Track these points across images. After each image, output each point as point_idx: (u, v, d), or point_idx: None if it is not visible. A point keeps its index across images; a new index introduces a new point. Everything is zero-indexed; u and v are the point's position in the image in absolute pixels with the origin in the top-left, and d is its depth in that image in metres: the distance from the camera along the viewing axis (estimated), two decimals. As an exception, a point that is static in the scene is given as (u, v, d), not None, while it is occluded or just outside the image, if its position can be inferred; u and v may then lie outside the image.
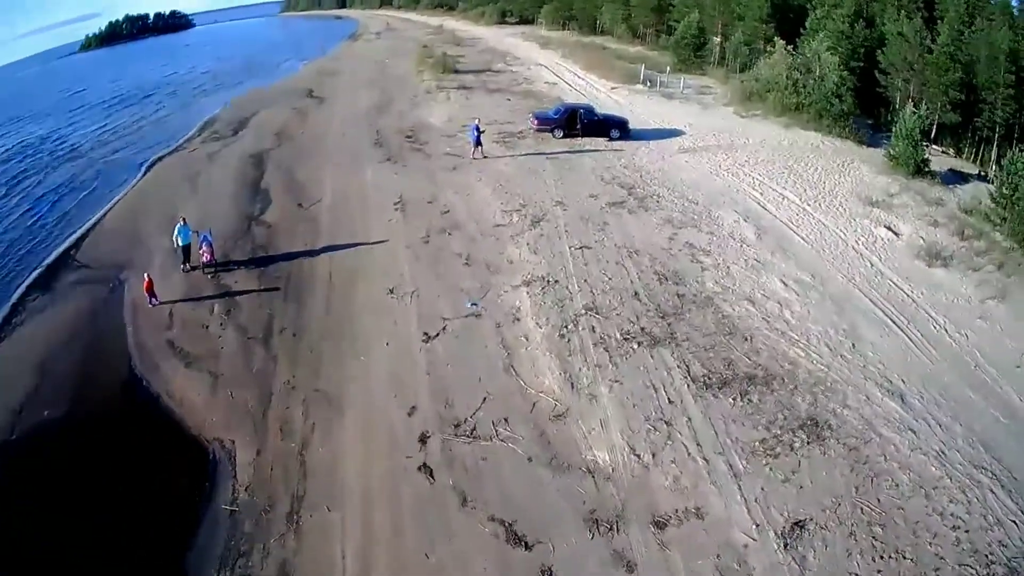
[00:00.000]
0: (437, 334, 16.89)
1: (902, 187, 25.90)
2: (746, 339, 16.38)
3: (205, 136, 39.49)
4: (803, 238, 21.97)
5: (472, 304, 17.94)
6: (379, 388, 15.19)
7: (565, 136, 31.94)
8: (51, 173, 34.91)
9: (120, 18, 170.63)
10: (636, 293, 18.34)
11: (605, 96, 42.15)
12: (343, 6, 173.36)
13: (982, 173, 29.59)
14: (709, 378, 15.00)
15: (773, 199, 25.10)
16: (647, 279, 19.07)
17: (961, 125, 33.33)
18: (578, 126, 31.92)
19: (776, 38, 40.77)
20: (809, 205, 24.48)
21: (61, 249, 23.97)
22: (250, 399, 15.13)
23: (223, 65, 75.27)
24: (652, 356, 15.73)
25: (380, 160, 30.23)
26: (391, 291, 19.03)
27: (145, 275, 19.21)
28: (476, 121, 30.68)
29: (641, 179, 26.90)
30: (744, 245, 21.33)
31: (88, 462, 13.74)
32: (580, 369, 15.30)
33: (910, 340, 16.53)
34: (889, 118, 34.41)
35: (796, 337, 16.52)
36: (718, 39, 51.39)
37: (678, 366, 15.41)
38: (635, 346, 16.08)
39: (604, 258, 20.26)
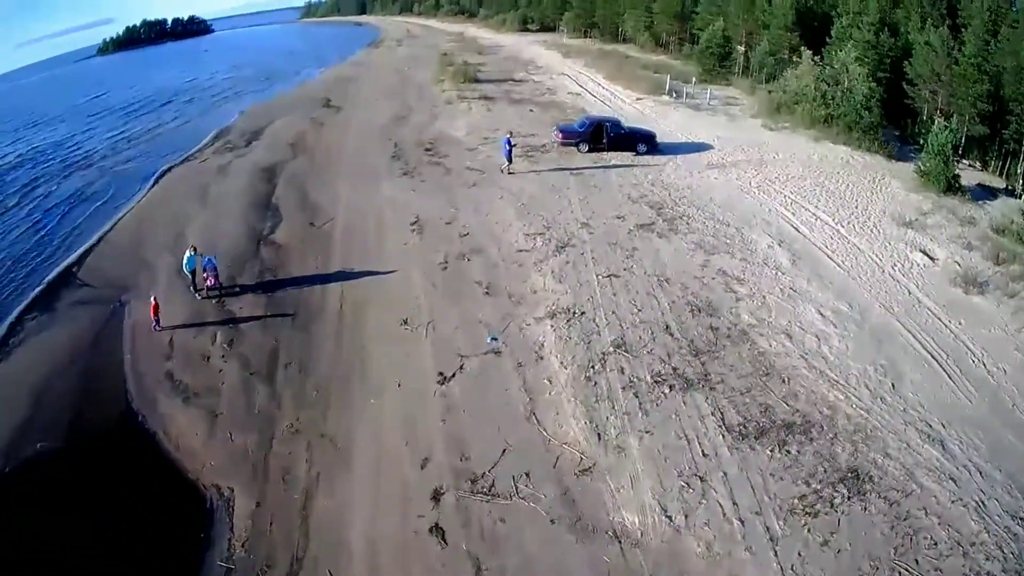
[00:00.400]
0: (454, 374, 15.74)
1: (934, 205, 24.89)
2: (784, 381, 15.20)
3: (218, 146, 38.84)
4: (838, 264, 20.79)
5: (492, 339, 16.79)
6: (390, 435, 14.09)
7: (591, 150, 30.87)
8: (62, 182, 34.39)
9: (138, 23, 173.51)
10: (668, 327, 17.14)
11: (630, 108, 40.95)
12: (363, 12, 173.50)
13: (1010, 188, 28.58)
14: (745, 427, 13.84)
15: (806, 220, 23.88)
16: (679, 310, 17.86)
17: (987, 137, 31.91)
18: (604, 140, 30.78)
19: (803, 48, 39.29)
20: (843, 227, 23.32)
21: (63, 266, 23.17)
22: (251, 443, 14.09)
23: (241, 72, 75.07)
24: (685, 402, 14.52)
25: (397, 174, 29.25)
26: (405, 322, 17.94)
27: (152, 297, 18.38)
28: (508, 134, 29.53)
29: (670, 197, 25.66)
30: (779, 272, 20.12)
31: (80, 503, 12.84)
32: (608, 418, 14.10)
33: (949, 378, 15.53)
34: (916, 130, 33.60)
35: (835, 378, 15.36)
36: (742, 48, 50.04)
37: (713, 413, 14.21)
38: (667, 390, 14.87)
39: (633, 287, 19.06)
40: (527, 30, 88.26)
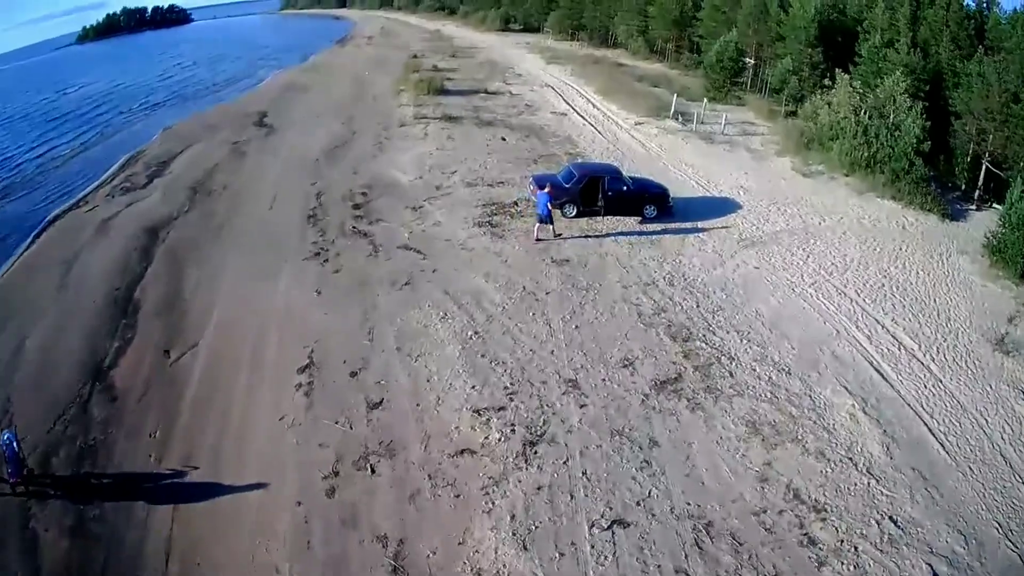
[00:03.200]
0: None
1: (1017, 301, 17.51)
2: None
3: (118, 182, 28.88)
4: (942, 443, 12.66)
5: None
6: None
7: (580, 214, 21.17)
8: None
9: (118, 11, 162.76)
10: None
11: (627, 136, 31.31)
12: (343, 6, 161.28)
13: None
14: None
15: (887, 349, 15.34)
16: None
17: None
18: (599, 201, 20.94)
19: (839, 72, 30.04)
20: (932, 358, 15.14)
21: None
22: None
23: (195, 72, 64.46)
24: None
25: (306, 254, 19.46)
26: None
27: None
28: (546, 190, 19.55)
29: (698, 310, 16.29)
30: (871, 479, 11.67)
31: None
32: None
33: None
34: (955, 169, 26.07)
35: None
36: (751, 61, 40.35)
37: None
38: None
39: (655, 549, 9.86)
40: (509, 30, 77.59)
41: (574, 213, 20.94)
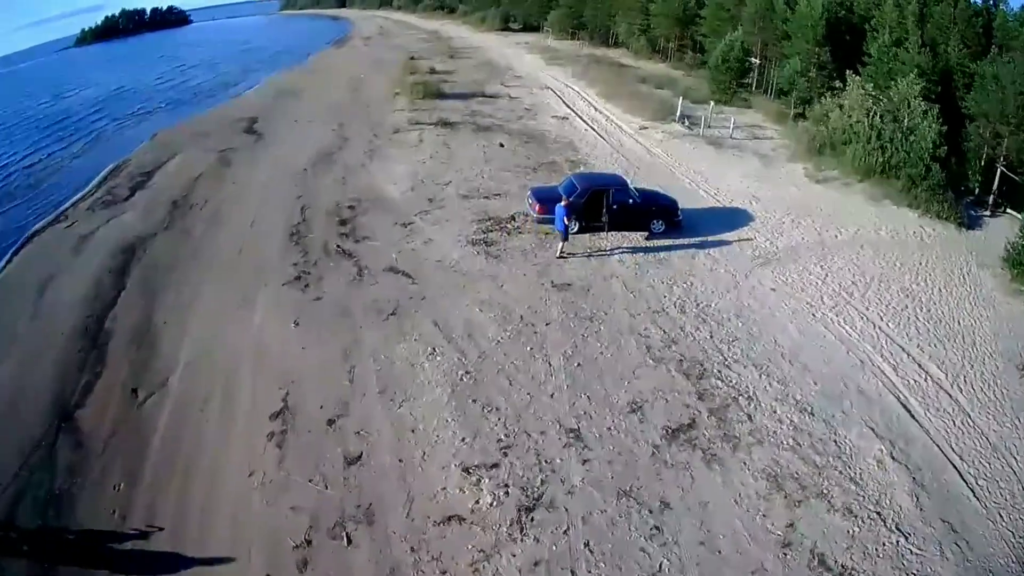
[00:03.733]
0: None
1: None
2: None
3: (101, 194, 27.27)
4: (972, 489, 11.44)
5: None
6: None
7: (583, 230, 19.70)
8: None
9: (117, 13, 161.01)
10: None
11: (632, 141, 29.82)
12: (343, 6, 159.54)
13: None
14: None
15: (914, 382, 14.07)
16: None
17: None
18: (604, 215, 19.44)
19: (850, 73, 28.48)
20: (959, 388, 13.93)
21: None
22: None
23: (191, 76, 62.76)
24: None
25: (286, 278, 17.95)
26: None
27: None
28: (565, 203, 18.18)
29: (712, 341, 14.88)
30: (901, 536, 10.45)
31: None
32: None
33: None
34: (968, 172, 24.85)
35: None
36: (757, 60, 38.76)
37: None
38: None
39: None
40: (509, 29, 75.91)
41: (576, 229, 19.42)
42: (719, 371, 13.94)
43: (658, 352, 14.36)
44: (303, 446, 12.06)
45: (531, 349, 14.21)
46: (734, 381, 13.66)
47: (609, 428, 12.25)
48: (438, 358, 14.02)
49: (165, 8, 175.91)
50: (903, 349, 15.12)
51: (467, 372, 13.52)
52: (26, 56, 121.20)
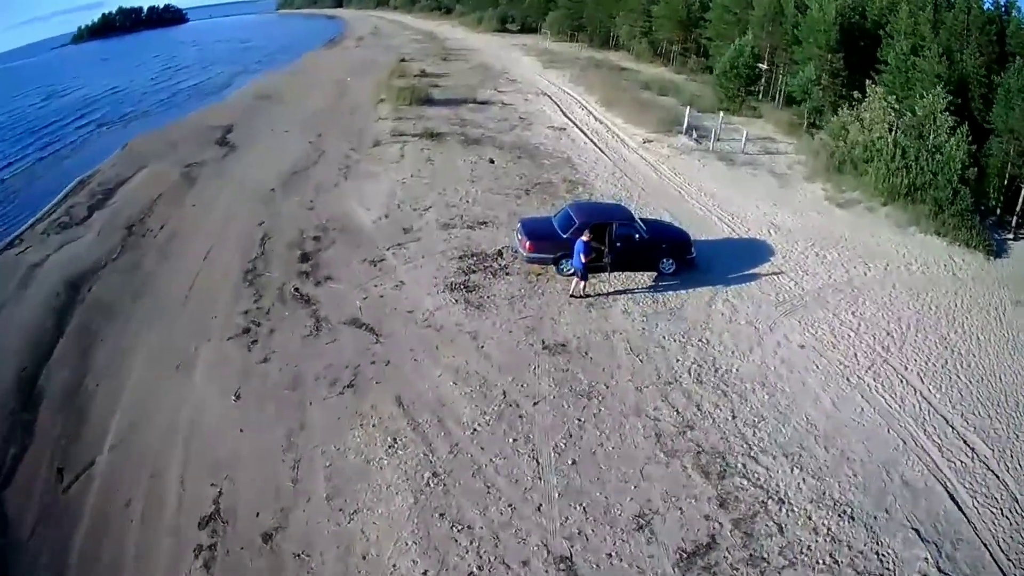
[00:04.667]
0: None
1: None
2: None
3: (57, 216, 24.43)
4: None
5: None
6: None
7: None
8: None
9: (114, 11, 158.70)
10: None
11: (636, 157, 26.92)
12: (339, 5, 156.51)
13: None
14: None
15: (959, 461, 11.82)
16: None
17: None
18: (606, 254, 16.48)
19: (869, 83, 25.90)
20: (1007, 467, 11.62)
21: None
22: None
23: (181, 78, 59.75)
24: None
25: (231, 332, 15.06)
26: None
27: None
28: (586, 237, 15.46)
29: (734, 422, 12.26)
30: None
31: None
32: None
33: None
34: (988, 190, 22.75)
35: None
36: (765, 67, 35.92)
37: None
38: None
39: None
40: (506, 30, 72.85)
41: (571, 270, 16.50)
42: (744, 465, 11.16)
43: (670, 441, 11.54)
44: (233, 567, 9.28)
45: (515, 440, 11.37)
46: (762, 478, 10.89)
47: (610, 554, 9.48)
48: (400, 452, 11.19)
49: (162, 6, 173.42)
50: (947, 421, 12.67)
51: (435, 474, 10.70)
52: (24, 53, 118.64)
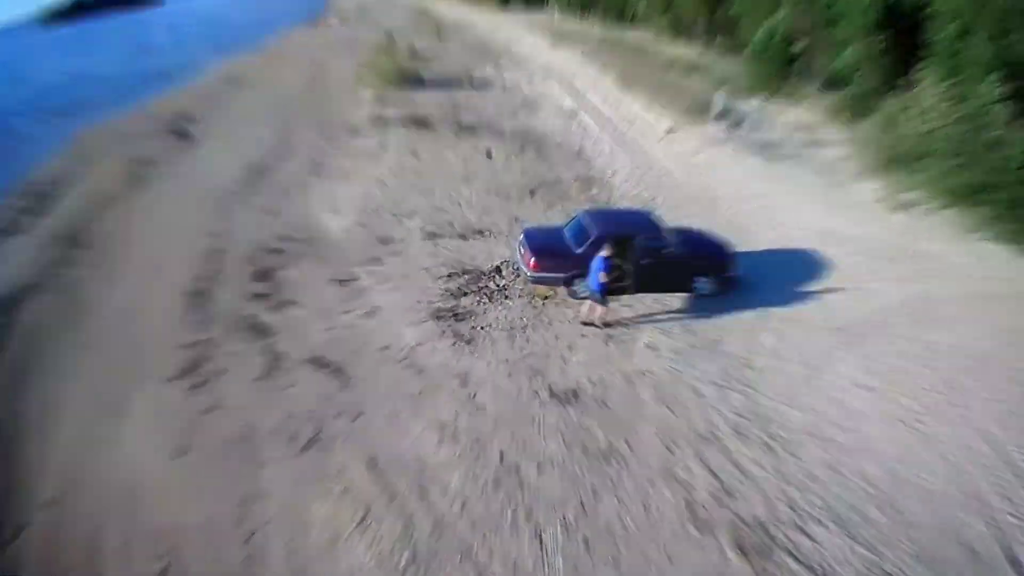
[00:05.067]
0: None
1: None
2: None
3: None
4: None
5: None
6: None
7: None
8: None
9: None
10: None
11: (659, 149, 25.74)
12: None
13: None
14: None
15: None
16: None
17: None
18: (629, 273, 15.17)
19: (923, 68, 24.83)
20: None
21: None
22: None
23: (146, 60, 58.40)
24: None
25: (172, 372, 13.79)
26: None
27: None
28: (606, 253, 13.94)
29: (780, 483, 11.09)
30: None
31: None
32: None
33: None
34: None
35: None
36: (801, 46, 34.76)
37: None
38: None
39: None
40: (509, 7, 71.73)
41: (585, 293, 15.20)
42: (788, 538, 9.92)
43: (705, 513, 10.27)
44: None
45: (514, 514, 10.11)
46: (808, 556, 9.66)
47: None
48: (373, 527, 9.95)
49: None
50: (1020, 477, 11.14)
51: (414, 559, 9.43)
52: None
